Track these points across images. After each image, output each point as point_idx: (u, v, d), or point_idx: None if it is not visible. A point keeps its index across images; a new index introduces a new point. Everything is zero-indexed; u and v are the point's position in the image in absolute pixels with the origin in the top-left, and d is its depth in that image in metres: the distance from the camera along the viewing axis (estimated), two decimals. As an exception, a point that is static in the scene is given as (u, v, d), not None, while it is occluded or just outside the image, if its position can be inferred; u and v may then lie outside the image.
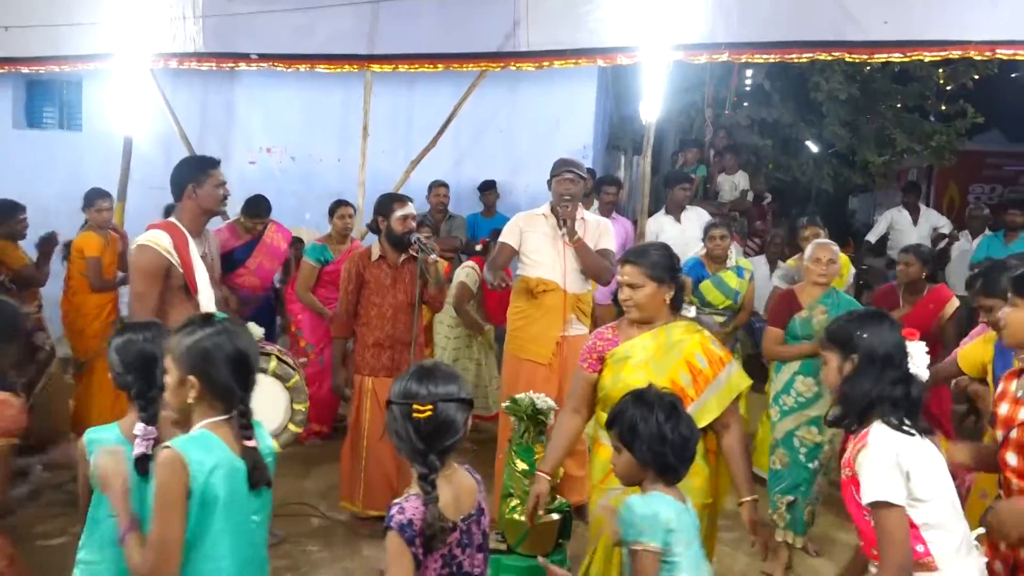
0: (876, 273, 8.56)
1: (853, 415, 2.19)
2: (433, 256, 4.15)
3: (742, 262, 5.37)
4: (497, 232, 5.96)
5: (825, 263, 4.06)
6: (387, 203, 4.24)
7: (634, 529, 2.04)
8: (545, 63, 6.02)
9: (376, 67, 6.32)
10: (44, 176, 7.51)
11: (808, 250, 4.19)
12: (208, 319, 2.01)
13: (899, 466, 2.04)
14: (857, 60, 6.05)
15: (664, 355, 2.76)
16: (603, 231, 4.36)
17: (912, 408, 2.13)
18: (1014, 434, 2.34)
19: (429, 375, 1.92)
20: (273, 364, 3.57)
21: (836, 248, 4.19)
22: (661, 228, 6.15)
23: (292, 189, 7.42)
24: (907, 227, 7.90)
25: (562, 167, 4.25)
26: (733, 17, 5.41)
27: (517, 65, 6.10)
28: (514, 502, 3.14)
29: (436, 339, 5.82)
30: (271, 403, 3.51)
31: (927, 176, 14.03)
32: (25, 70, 7.19)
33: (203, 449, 1.89)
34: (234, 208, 5.44)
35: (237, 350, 1.96)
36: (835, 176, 11.07)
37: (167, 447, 1.87)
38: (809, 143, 11.10)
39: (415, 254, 4.17)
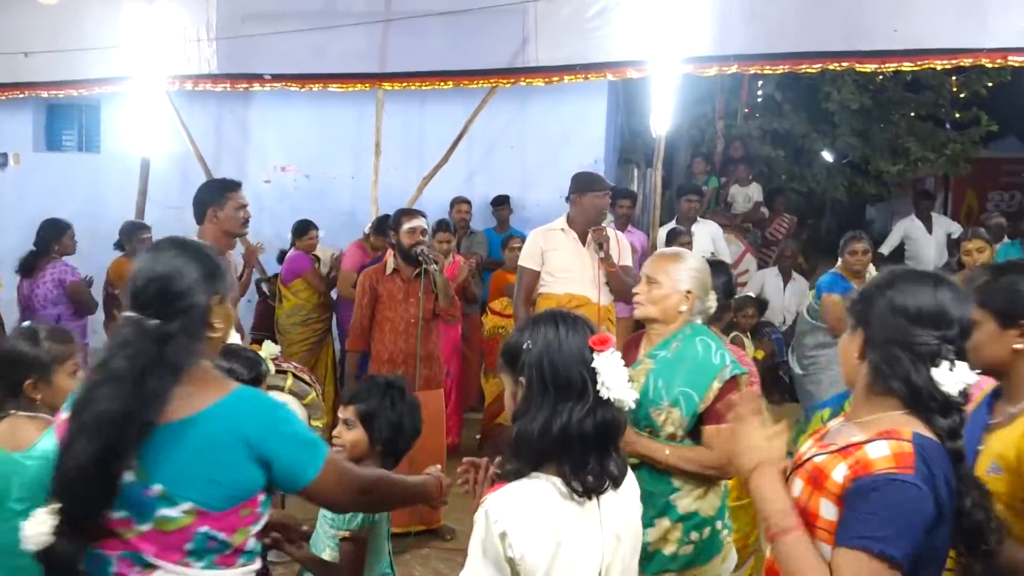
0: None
1: (527, 466, 1.52)
2: (435, 266, 4.19)
3: None
4: (515, 238, 5.96)
5: (645, 283, 2.45)
6: (396, 217, 4.34)
7: (339, 517, 2.08)
8: (555, 78, 6.05)
9: (387, 85, 6.38)
10: (64, 197, 7.59)
11: None
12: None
13: (497, 552, 1.44)
14: (867, 70, 6.04)
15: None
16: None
17: (595, 449, 1.50)
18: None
19: (225, 352, 2.10)
20: (289, 382, 3.56)
21: (685, 261, 2.44)
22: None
23: (306, 207, 7.45)
24: (922, 236, 7.82)
25: (597, 184, 4.19)
26: (741, 29, 5.42)
27: (527, 80, 6.13)
28: None
29: None
30: None
31: (944, 185, 13.94)
32: (45, 94, 7.32)
33: None
34: (254, 227, 5.48)
35: None
36: (849, 186, 11.03)
37: None
38: (823, 153, 11.08)
39: (423, 265, 4.21)
